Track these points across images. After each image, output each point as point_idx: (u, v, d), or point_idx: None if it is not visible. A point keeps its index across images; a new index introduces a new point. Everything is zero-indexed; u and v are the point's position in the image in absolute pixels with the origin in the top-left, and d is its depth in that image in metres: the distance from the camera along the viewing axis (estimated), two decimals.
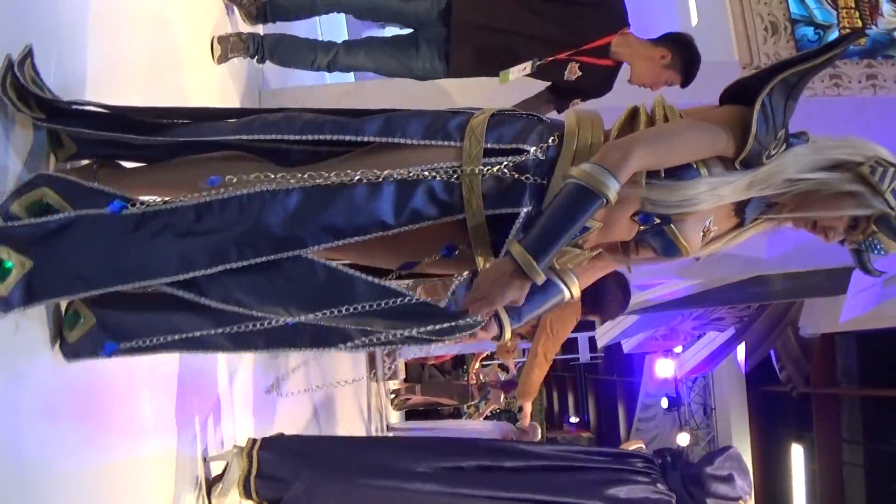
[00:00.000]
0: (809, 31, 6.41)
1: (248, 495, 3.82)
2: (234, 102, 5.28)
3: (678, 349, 14.58)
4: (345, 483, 3.85)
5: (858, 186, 2.43)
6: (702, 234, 2.54)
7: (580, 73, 4.73)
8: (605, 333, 13.63)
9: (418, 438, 4.76)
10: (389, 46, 4.95)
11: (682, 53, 4.63)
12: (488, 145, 2.49)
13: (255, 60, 5.01)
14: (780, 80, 2.39)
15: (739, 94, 2.48)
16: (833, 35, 6.35)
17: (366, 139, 2.52)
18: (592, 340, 14.99)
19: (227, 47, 4.83)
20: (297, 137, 2.56)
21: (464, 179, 2.45)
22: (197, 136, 2.65)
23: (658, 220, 2.48)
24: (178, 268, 2.38)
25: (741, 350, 12.66)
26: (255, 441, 3.96)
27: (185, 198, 2.38)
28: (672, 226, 2.49)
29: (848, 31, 6.41)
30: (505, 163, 2.46)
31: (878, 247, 2.45)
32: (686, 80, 4.68)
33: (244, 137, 2.59)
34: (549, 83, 4.92)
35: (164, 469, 3.57)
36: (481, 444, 4.55)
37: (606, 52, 4.71)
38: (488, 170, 2.45)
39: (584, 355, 16.32)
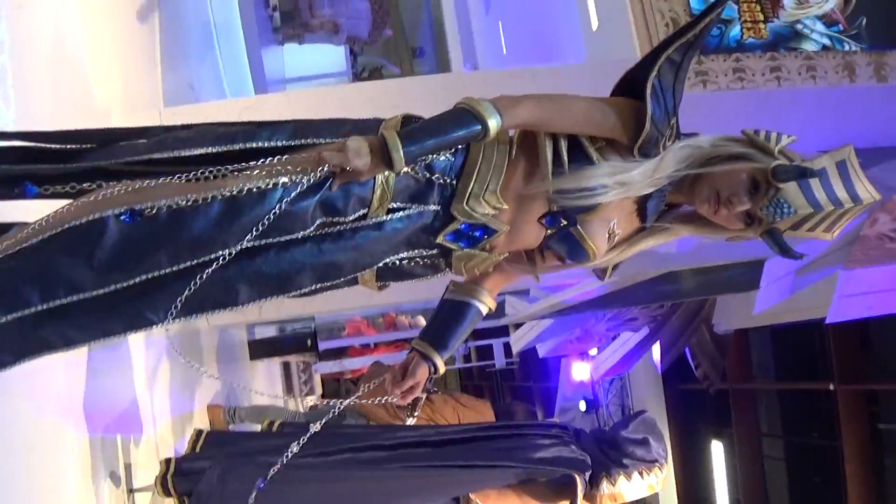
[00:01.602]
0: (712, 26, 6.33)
1: (166, 493, 3.77)
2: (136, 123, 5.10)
3: (593, 351, 14.52)
4: (258, 465, 3.78)
5: (748, 148, 2.48)
6: (607, 235, 2.58)
7: None
8: (520, 339, 13.47)
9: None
10: None
11: None
12: None
13: None
14: (666, 59, 2.42)
15: (627, 89, 2.51)
16: (735, 29, 6.32)
17: (279, 144, 2.48)
18: (507, 346, 14.83)
19: None
20: (211, 150, 2.48)
21: (377, 180, 2.43)
22: (111, 158, 2.57)
23: (564, 223, 2.52)
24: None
25: (656, 350, 12.60)
26: (168, 463, 3.88)
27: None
28: (578, 227, 2.52)
29: (749, 25, 6.37)
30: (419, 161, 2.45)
31: (785, 206, 2.42)
32: None
33: (157, 156, 2.50)
34: None
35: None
36: (400, 429, 4.62)
37: None
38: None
39: (499, 361, 16.19)
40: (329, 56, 22.60)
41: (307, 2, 18.07)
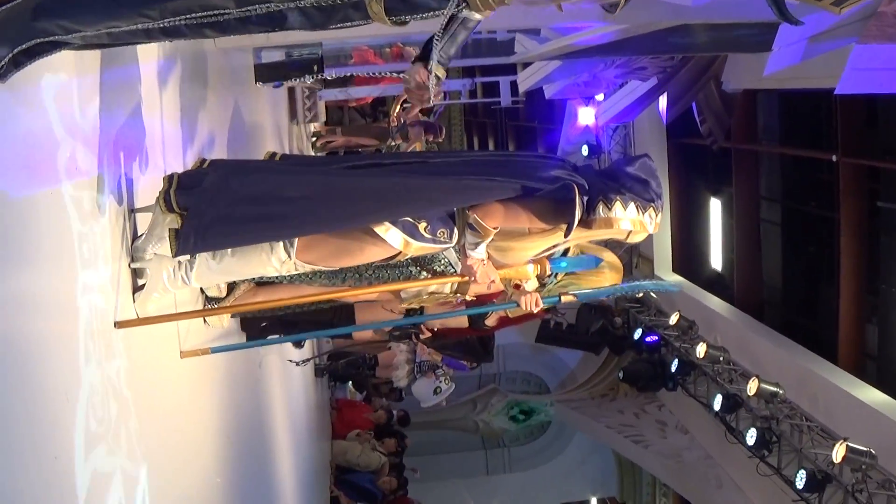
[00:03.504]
0: None
1: (169, 209, 3.71)
2: None
3: (600, 97, 14.20)
4: (260, 171, 3.98)
5: None
6: None
7: None
8: (528, 78, 13.16)
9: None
10: None
11: None
12: None
13: None
14: None
15: None
16: None
17: None
18: (514, 85, 14.46)
19: None
20: None
21: None
22: None
23: None
24: None
25: (663, 101, 12.28)
26: (171, 177, 3.85)
27: None
28: None
29: None
30: None
31: None
32: None
33: None
34: None
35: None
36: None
37: None
38: None
39: (504, 99, 15.85)
40: None
41: None
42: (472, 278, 4.09)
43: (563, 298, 4.29)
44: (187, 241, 3.66)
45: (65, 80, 3.21)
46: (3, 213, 2.68)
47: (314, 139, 13.90)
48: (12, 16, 2.48)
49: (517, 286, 4.44)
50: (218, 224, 3.68)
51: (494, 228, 3.97)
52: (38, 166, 3.00)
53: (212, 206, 3.68)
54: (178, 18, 2.57)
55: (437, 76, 2.95)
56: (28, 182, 2.89)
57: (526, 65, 12.83)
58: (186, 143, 5.36)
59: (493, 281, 4.18)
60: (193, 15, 2.55)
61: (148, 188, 4.19)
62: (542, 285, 4.45)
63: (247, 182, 3.78)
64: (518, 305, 4.32)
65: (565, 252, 4.41)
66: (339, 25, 2.72)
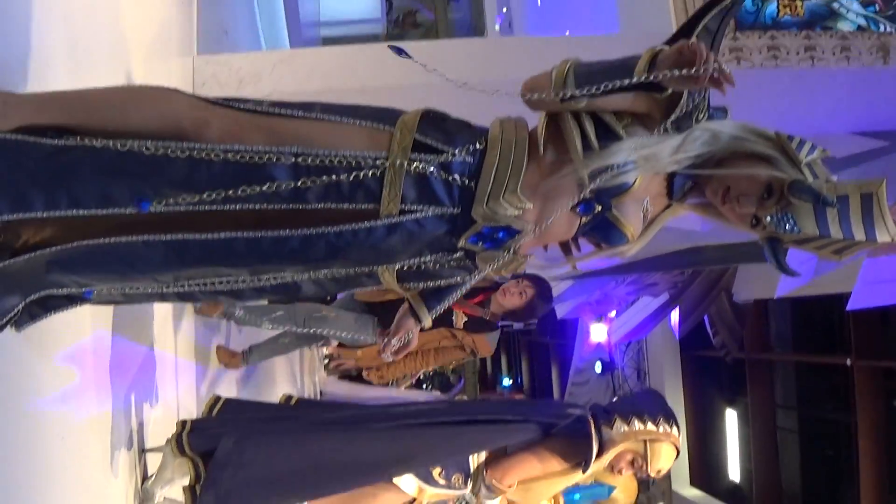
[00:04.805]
0: (748, 2, 6.25)
1: (181, 451, 3.71)
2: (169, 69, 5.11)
3: (612, 314, 14.47)
4: (275, 433, 3.87)
5: (776, 152, 2.37)
6: (642, 215, 2.52)
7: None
8: None
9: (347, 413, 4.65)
10: None
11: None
12: (417, 137, 2.39)
13: None
14: (703, 28, 2.36)
15: None
16: (771, 6, 6.22)
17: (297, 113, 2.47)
18: None
19: None
20: None
21: (388, 172, 2.37)
22: None
23: (599, 208, 2.45)
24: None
25: (675, 315, 12.56)
26: (184, 422, 3.85)
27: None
28: (613, 210, 2.46)
29: (787, 2, 6.29)
30: (432, 159, 2.40)
31: (791, 221, 2.33)
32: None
33: None
34: None
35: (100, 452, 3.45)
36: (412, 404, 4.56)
37: None
38: (415, 166, 2.36)
39: (517, 322, 16.10)
40: (364, 1, 22.42)
41: None
42: None
43: None
44: None
45: (79, 317, 3.21)
46: (14, 443, 2.74)
47: (326, 361, 14.05)
48: (27, 267, 2.41)
49: None
50: (235, 497, 3.68)
51: (510, 487, 4.04)
52: (50, 402, 3.03)
53: (231, 478, 3.67)
54: (193, 284, 2.54)
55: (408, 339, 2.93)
56: (39, 417, 2.94)
57: None
58: (200, 378, 5.48)
59: None
60: (207, 280, 2.52)
61: (160, 427, 4.23)
62: None
63: (262, 454, 3.74)
64: None
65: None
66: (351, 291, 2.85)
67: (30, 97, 2.52)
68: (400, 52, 2.62)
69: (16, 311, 2.51)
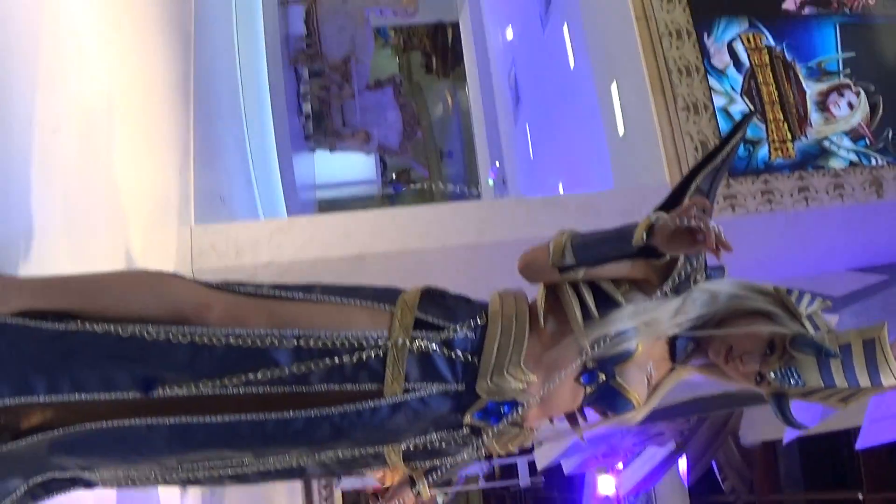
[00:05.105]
0: (740, 148, 6.41)
1: None
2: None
3: (619, 466, 14.32)
4: None
5: (775, 307, 2.38)
6: (646, 381, 2.50)
7: None
8: (545, 456, 13.33)
9: None
10: None
11: None
12: (419, 315, 2.42)
13: None
14: (695, 190, 2.38)
15: None
16: (763, 150, 6.37)
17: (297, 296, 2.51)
18: (532, 464, 14.58)
19: None
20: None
21: (390, 351, 2.39)
22: None
23: (603, 377, 2.43)
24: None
25: (683, 462, 12.47)
26: None
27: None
28: (617, 378, 2.44)
29: (777, 144, 6.43)
30: (434, 336, 2.41)
31: (795, 375, 2.32)
32: None
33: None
34: None
35: None
36: None
37: None
38: (417, 344, 2.38)
39: (523, 480, 15.88)
40: (359, 162, 22.70)
41: (340, 112, 18.34)
42: None
43: None
44: None
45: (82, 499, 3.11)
46: None
47: None
48: (30, 449, 2.38)
49: None
50: None
51: None
52: None
53: None
54: (197, 468, 2.52)
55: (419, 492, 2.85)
56: None
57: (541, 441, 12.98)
58: None
59: None
60: (211, 464, 2.50)
61: None
62: None
63: None
64: None
65: None
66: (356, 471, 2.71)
67: (31, 281, 2.58)
68: None
69: (17, 493, 2.48)
